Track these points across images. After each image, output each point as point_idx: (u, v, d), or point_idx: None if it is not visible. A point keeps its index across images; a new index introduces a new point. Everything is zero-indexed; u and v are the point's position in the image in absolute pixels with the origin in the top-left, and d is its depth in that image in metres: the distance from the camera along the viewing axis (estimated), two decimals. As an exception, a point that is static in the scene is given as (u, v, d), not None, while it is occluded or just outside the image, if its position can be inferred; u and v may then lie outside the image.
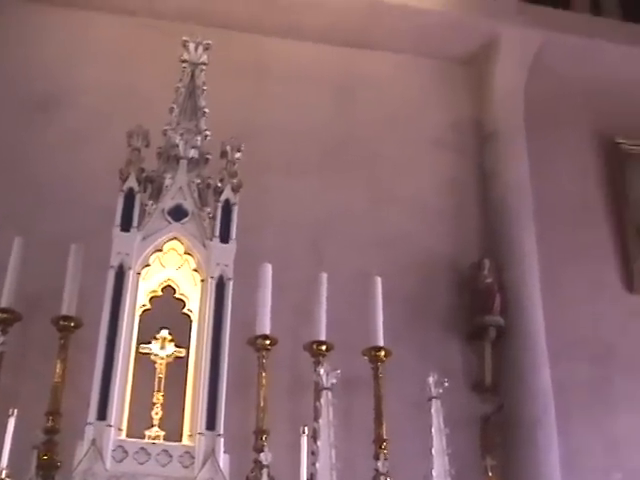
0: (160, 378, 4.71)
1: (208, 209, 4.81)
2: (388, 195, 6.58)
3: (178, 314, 4.85)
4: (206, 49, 5.18)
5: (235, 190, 4.89)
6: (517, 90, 7.09)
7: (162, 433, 4.53)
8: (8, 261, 4.94)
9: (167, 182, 4.82)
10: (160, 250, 4.77)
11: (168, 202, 4.79)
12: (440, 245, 6.54)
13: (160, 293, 4.90)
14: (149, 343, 4.76)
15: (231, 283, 4.65)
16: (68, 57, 6.48)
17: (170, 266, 4.89)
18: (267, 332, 4.91)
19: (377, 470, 4.61)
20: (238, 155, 5.01)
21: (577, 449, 6.02)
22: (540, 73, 7.16)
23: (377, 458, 4.69)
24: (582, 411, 6.19)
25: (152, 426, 4.57)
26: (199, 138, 4.95)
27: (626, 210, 7.12)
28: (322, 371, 4.55)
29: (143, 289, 4.78)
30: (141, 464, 4.21)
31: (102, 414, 4.22)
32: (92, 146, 6.10)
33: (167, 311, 4.87)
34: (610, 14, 7.94)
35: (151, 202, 4.77)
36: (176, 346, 4.80)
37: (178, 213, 4.78)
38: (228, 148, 5.01)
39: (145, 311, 4.83)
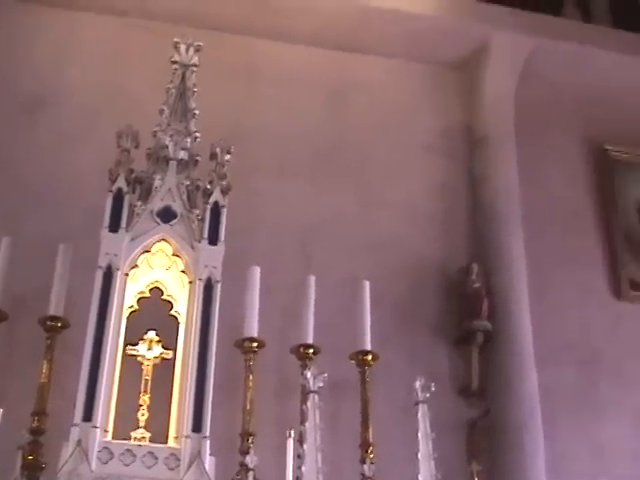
0: (147, 380, 4.69)
1: (197, 211, 4.80)
2: (378, 199, 6.59)
3: (165, 316, 4.84)
4: (197, 51, 5.16)
5: (224, 192, 4.88)
6: (507, 95, 7.11)
7: (148, 435, 4.51)
8: (-5, 261, 4.93)
9: (156, 183, 4.81)
10: (148, 251, 4.75)
11: (157, 203, 4.77)
12: (429, 249, 6.55)
13: (148, 294, 4.89)
14: (136, 344, 4.74)
15: (219, 285, 4.64)
16: (58, 57, 6.47)
17: (158, 267, 4.87)
18: (255, 335, 4.90)
19: (363, 474, 4.59)
20: (228, 157, 4.99)
21: (563, 454, 6.04)
22: (531, 79, 7.18)
23: (363, 462, 4.69)
24: (569, 416, 6.22)
25: (138, 428, 4.55)
26: (189, 140, 4.94)
27: (614, 216, 7.15)
28: (309, 374, 4.53)
29: (131, 290, 4.76)
30: (127, 466, 4.18)
31: (88, 415, 4.20)
32: (81, 146, 6.10)
33: (154, 312, 4.86)
34: (601, 21, 7.98)
35: (140, 203, 4.75)
36: (163, 348, 4.79)
37: (167, 214, 4.76)
38: (218, 150, 5.00)
39: (132, 312, 4.82)
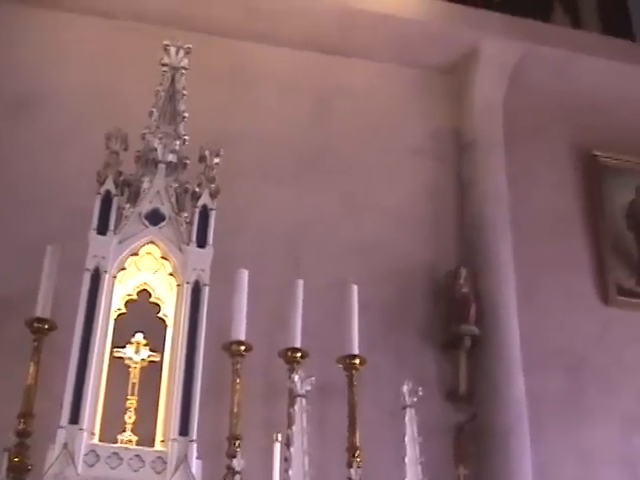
0: (134, 382, 4.69)
1: (185, 214, 4.79)
2: (366, 202, 6.58)
3: (153, 318, 4.83)
4: (187, 53, 5.16)
5: (213, 195, 4.87)
6: (496, 100, 7.12)
7: (135, 438, 4.51)
8: (-17, 262, 4.92)
9: (145, 186, 4.80)
10: (136, 254, 4.74)
11: (145, 206, 4.77)
12: (417, 253, 6.55)
13: (136, 297, 4.88)
14: (124, 347, 4.74)
15: (207, 288, 4.63)
16: (47, 59, 6.43)
17: (146, 270, 4.86)
18: (242, 338, 4.88)
19: (350, 478, 4.59)
20: (217, 160, 4.99)
21: (550, 459, 6.05)
22: (519, 84, 7.20)
23: (350, 466, 4.69)
24: (556, 421, 6.23)
25: (125, 431, 4.54)
26: (178, 142, 4.93)
27: (602, 222, 7.17)
28: (296, 378, 4.53)
29: (118, 293, 4.76)
30: (113, 469, 4.18)
31: (75, 418, 4.19)
32: (70, 148, 6.07)
33: (142, 315, 4.85)
34: (590, 28, 8.02)
35: (128, 205, 4.75)
36: (151, 350, 4.79)
37: (155, 217, 4.76)
38: (207, 153, 4.99)
39: (120, 315, 4.81)
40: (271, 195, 6.34)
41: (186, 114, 5.00)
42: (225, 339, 4.89)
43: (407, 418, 4.71)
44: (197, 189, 4.89)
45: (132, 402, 4.64)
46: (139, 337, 4.80)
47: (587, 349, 6.59)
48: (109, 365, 4.54)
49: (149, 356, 4.78)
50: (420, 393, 4.77)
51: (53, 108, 6.24)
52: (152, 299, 4.89)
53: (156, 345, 4.79)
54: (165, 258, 4.76)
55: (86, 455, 4.15)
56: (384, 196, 6.66)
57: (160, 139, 4.91)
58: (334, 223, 6.42)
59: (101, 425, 4.41)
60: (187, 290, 4.62)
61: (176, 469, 4.20)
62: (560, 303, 6.69)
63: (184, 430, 4.29)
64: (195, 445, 4.28)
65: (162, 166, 4.86)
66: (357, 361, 5.02)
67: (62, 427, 4.16)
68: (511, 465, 5.82)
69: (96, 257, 4.57)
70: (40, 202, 5.80)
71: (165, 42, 5.17)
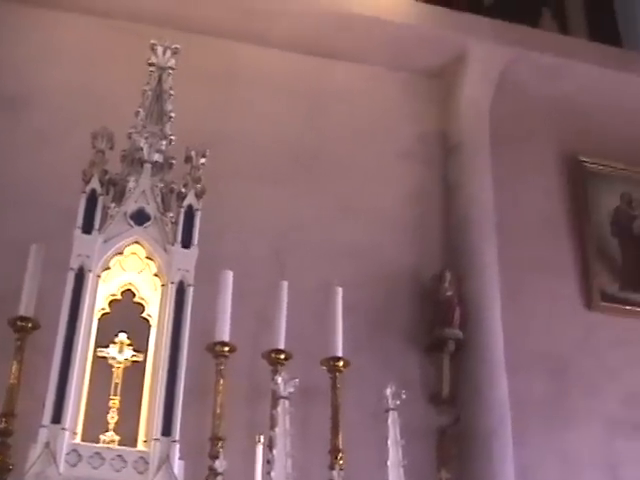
0: (117, 382, 4.69)
1: (171, 214, 4.79)
2: (351, 205, 6.56)
3: (137, 318, 4.83)
4: (174, 53, 5.14)
5: (198, 196, 4.87)
6: (483, 104, 7.12)
7: (117, 438, 4.50)
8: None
9: (130, 185, 4.79)
10: (121, 253, 4.74)
11: (131, 205, 4.76)
12: (402, 256, 6.55)
13: (120, 297, 4.88)
14: (107, 347, 4.73)
15: (191, 289, 4.63)
16: (35, 57, 6.39)
17: (131, 270, 4.86)
18: (226, 339, 4.88)
19: (332, 480, 4.62)
20: (203, 161, 4.99)
21: (533, 461, 6.06)
22: (507, 88, 7.21)
23: (332, 468, 4.70)
24: (539, 424, 6.24)
25: (107, 430, 4.54)
26: (164, 142, 4.92)
27: (587, 227, 7.19)
28: (280, 380, 4.53)
29: (102, 292, 4.75)
30: (95, 469, 4.17)
31: (57, 417, 4.18)
32: (56, 147, 6.05)
33: (126, 315, 4.85)
34: (577, 33, 8.05)
35: (113, 205, 4.73)
36: (134, 350, 4.78)
37: (140, 217, 4.75)
38: (193, 153, 4.99)
39: (104, 314, 4.80)
40: (257, 197, 6.34)
41: (173, 114, 4.99)
42: (209, 340, 4.89)
43: (390, 421, 4.71)
44: (183, 189, 4.89)
45: (115, 402, 4.64)
46: (123, 337, 4.80)
47: (571, 352, 6.61)
48: (92, 365, 4.53)
49: (132, 356, 4.77)
50: (403, 396, 4.78)
51: (40, 107, 6.21)
52: (136, 299, 4.89)
53: (139, 345, 4.78)
54: (150, 258, 4.75)
55: (68, 455, 4.14)
56: (370, 199, 6.66)
57: (146, 139, 4.90)
58: (320, 225, 6.41)
59: (83, 425, 4.40)
60: (171, 290, 4.61)
61: (158, 469, 4.19)
62: (544, 307, 6.71)
63: (167, 430, 4.28)
64: (177, 445, 4.27)
65: (148, 166, 4.85)
66: (341, 363, 5.04)
67: (44, 426, 4.15)
68: (494, 468, 5.83)
69: (80, 256, 4.56)
70: (24, 200, 5.77)
71: (152, 42, 5.16)
